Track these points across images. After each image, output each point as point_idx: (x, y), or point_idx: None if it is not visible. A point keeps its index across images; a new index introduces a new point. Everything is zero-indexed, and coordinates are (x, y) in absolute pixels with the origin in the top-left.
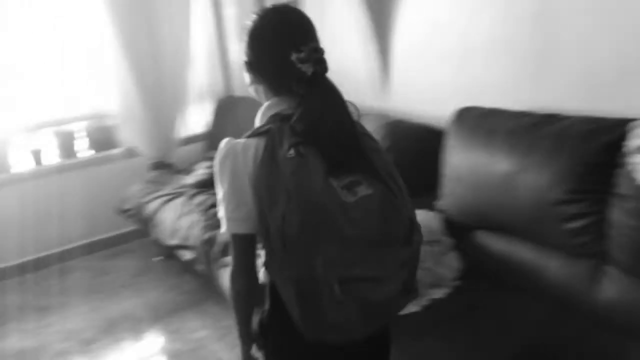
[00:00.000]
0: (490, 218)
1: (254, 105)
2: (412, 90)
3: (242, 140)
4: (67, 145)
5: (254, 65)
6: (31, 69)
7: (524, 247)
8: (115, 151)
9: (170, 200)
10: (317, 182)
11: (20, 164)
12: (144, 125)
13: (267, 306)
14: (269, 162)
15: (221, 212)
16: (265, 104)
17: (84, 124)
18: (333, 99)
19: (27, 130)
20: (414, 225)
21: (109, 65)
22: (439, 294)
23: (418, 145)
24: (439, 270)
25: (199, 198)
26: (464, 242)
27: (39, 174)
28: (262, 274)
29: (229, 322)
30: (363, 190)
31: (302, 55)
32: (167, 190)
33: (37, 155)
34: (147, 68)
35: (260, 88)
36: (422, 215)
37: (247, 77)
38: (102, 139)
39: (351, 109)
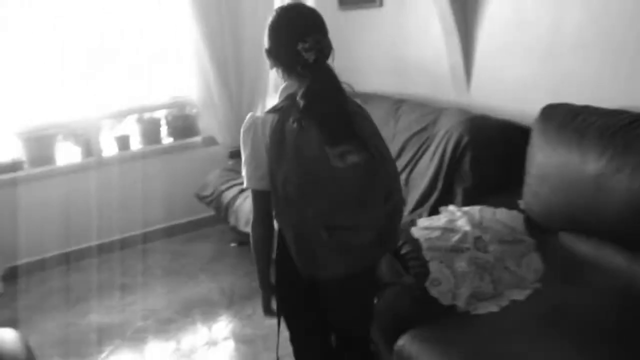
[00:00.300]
0: (578, 220)
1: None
2: (495, 86)
3: (262, 116)
4: (150, 132)
5: (271, 52)
6: (118, 57)
7: (615, 251)
8: (195, 139)
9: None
10: (313, 149)
11: (108, 148)
12: (222, 114)
13: (276, 247)
14: (278, 132)
15: (244, 171)
16: (282, 85)
17: (165, 112)
18: (330, 81)
19: (113, 116)
20: (392, 189)
21: (191, 54)
22: (519, 295)
23: (501, 141)
24: (519, 271)
25: None
26: (547, 243)
27: (124, 159)
28: (275, 224)
29: None
30: (353, 159)
31: (307, 45)
32: None
33: (122, 141)
34: (227, 58)
35: (279, 71)
36: (504, 214)
37: (268, 62)
38: (183, 127)
39: (347, 89)
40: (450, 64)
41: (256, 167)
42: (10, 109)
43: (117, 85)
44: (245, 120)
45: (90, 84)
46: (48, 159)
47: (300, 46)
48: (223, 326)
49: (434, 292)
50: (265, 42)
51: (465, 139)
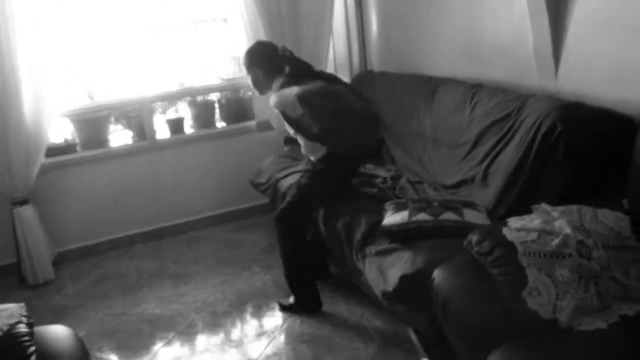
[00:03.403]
0: None
1: (393, 81)
2: (589, 71)
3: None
4: (203, 115)
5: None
6: (172, 37)
7: None
8: (249, 123)
9: None
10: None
11: (160, 132)
12: None
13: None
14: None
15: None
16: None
17: (219, 95)
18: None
19: (166, 99)
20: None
21: (246, 34)
22: (628, 310)
23: (599, 132)
24: (628, 282)
25: None
26: None
27: (177, 143)
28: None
29: (361, 311)
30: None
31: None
32: (301, 166)
33: (175, 124)
34: (284, 39)
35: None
36: (607, 216)
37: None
38: (237, 111)
39: None
40: (535, 46)
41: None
42: (63, 89)
43: (170, 66)
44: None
45: (143, 65)
46: (100, 142)
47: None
48: (279, 323)
49: (532, 303)
50: (254, 65)
51: (559, 128)
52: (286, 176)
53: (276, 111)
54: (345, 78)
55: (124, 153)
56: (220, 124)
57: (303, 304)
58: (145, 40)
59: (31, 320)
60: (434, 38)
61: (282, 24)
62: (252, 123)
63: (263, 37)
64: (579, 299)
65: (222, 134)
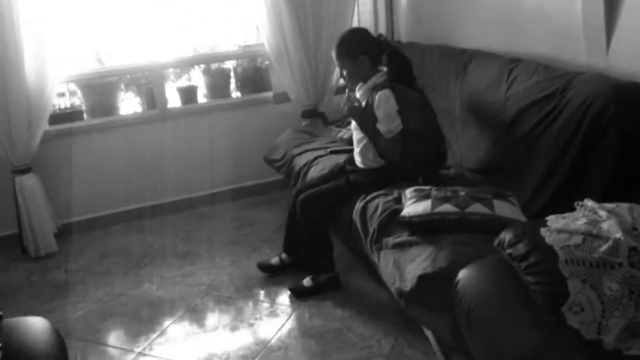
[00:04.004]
0: None
1: (422, 53)
2: None
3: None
4: (218, 84)
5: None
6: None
7: None
8: (265, 94)
9: (321, 157)
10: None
11: (172, 100)
12: (297, 68)
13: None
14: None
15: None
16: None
17: (234, 63)
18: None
19: (179, 65)
20: None
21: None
22: None
23: None
24: None
25: None
26: None
27: (190, 113)
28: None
29: (375, 304)
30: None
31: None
32: (318, 143)
33: (188, 92)
34: (305, 6)
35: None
36: None
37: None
38: (253, 80)
39: None
40: (584, 17)
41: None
42: (69, 52)
43: (183, 31)
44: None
45: (155, 28)
46: (109, 109)
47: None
48: (287, 313)
49: (573, 320)
50: (354, 49)
51: (611, 111)
52: (302, 153)
53: (362, 104)
54: None
55: (133, 122)
56: (235, 94)
57: (323, 283)
58: (158, 2)
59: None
60: (468, 5)
61: None
62: (269, 94)
63: (282, 2)
64: (630, 317)
65: (237, 105)
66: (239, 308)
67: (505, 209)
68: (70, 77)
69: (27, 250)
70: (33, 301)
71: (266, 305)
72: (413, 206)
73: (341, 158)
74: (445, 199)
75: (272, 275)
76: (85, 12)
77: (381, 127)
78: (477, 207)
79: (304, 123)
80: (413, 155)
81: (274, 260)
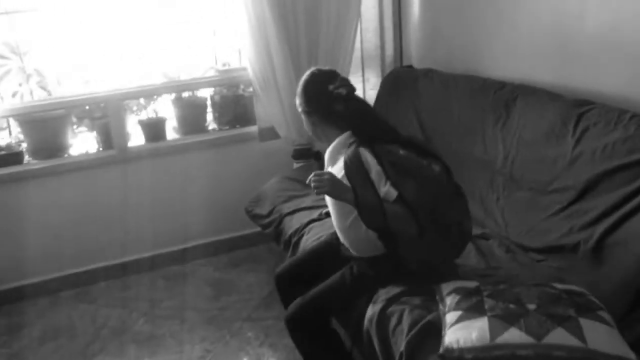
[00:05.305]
0: None
1: (444, 83)
2: None
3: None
4: (191, 117)
5: (311, 106)
6: (150, 17)
7: None
8: (249, 129)
9: (315, 220)
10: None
11: (135, 138)
12: (287, 97)
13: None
14: None
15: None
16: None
17: (211, 92)
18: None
19: (143, 95)
20: None
21: (246, 16)
22: None
23: None
24: None
25: None
26: None
27: (156, 153)
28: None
29: None
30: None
31: (336, 83)
32: (315, 197)
33: (154, 128)
34: (297, 22)
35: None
36: None
37: (310, 125)
38: (234, 113)
39: None
40: None
41: None
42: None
43: (148, 52)
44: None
45: (112, 49)
46: (56, 149)
47: (330, 87)
48: None
49: None
50: (303, 105)
51: None
52: (293, 212)
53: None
54: (375, 74)
55: (86, 165)
56: (212, 129)
57: None
58: (118, 20)
59: None
60: (503, 25)
61: (292, 4)
62: (253, 129)
63: (269, 18)
64: None
65: (215, 142)
66: None
67: (600, 335)
68: (5, 110)
69: None
70: None
71: None
72: (462, 331)
73: None
74: (509, 318)
75: None
76: (26, 29)
77: (380, 192)
78: (561, 336)
79: (295, 165)
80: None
81: None
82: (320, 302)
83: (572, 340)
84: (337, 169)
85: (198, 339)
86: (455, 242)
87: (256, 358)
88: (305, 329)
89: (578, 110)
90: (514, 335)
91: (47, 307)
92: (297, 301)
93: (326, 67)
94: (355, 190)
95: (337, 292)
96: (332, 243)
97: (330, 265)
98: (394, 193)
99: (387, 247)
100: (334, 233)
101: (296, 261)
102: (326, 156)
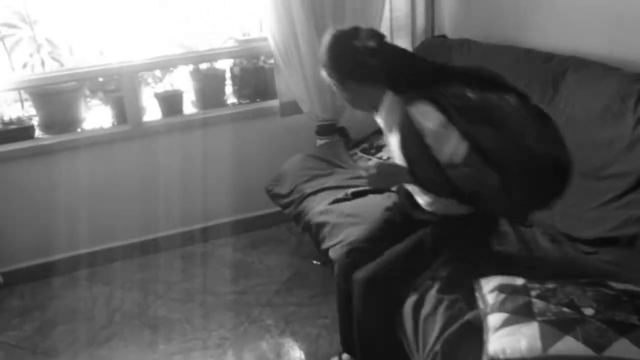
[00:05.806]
0: None
1: (482, 54)
2: None
3: None
4: (209, 90)
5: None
6: None
7: None
8: (270, 103)
9: (340, 200)
10: None
11: (151, 112)
12: (310, 71)
13: None
14: None
15: None
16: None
17: (230, 63)
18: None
19: (159, 66)
20: None
21: None
22: None
23: None
24: None
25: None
26: None
27: (172, 127)
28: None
29: None
30: None
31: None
32: (337, 178)
33: (171, 101)
34: None
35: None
36: None
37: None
38: (254, 86)
39: None
40: None
41: None
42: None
43: (164, 21)
44: None
45: (127, 17)
46: (68, 123)
47: (357, 43)
48: None
49: None
50: (333, 73)
51: None
52: (315, 192)
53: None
54: (405, 45)
55: (99, 140)
56: (231, 102)
57: None
58: None
59: None
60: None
61: None
62: (274, 103)
63: None
64: None
65: (234, 117)
66: None
67: None
68: (16, 82)
69: None
70: None
71: None
72: (509, 338)
73: (369, 203)
74: (563, 325)
75: None
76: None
77: (442, 156)
78: (626, 348)
79: (319, 142)
80: (510, 188)
81: None
82: (399, 266)
83: (636, 354)
84: (396, 138)
85: (215, 325)
86: (555, 178)
87: (276, 347)
88: (383, 292)
89: (638, 86)
90: (569, 345)
91: (60, 288)
92: (377, 262)
93: (346, 26)
94: (412, 169)
95: (417, 255)
96: (399, 210)
97: (402, 232)
98: (461, 149)
99: (476, 207)
100: (400, 198)
101: (368, 234)
102: (381, 124)
